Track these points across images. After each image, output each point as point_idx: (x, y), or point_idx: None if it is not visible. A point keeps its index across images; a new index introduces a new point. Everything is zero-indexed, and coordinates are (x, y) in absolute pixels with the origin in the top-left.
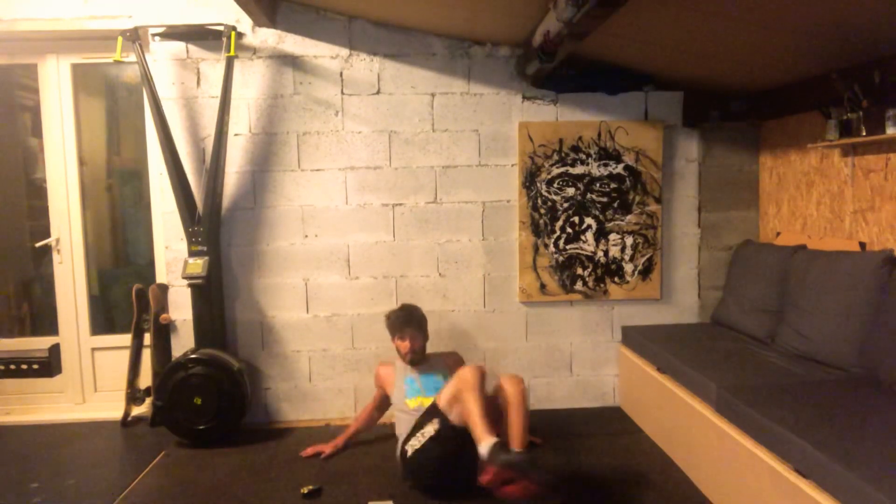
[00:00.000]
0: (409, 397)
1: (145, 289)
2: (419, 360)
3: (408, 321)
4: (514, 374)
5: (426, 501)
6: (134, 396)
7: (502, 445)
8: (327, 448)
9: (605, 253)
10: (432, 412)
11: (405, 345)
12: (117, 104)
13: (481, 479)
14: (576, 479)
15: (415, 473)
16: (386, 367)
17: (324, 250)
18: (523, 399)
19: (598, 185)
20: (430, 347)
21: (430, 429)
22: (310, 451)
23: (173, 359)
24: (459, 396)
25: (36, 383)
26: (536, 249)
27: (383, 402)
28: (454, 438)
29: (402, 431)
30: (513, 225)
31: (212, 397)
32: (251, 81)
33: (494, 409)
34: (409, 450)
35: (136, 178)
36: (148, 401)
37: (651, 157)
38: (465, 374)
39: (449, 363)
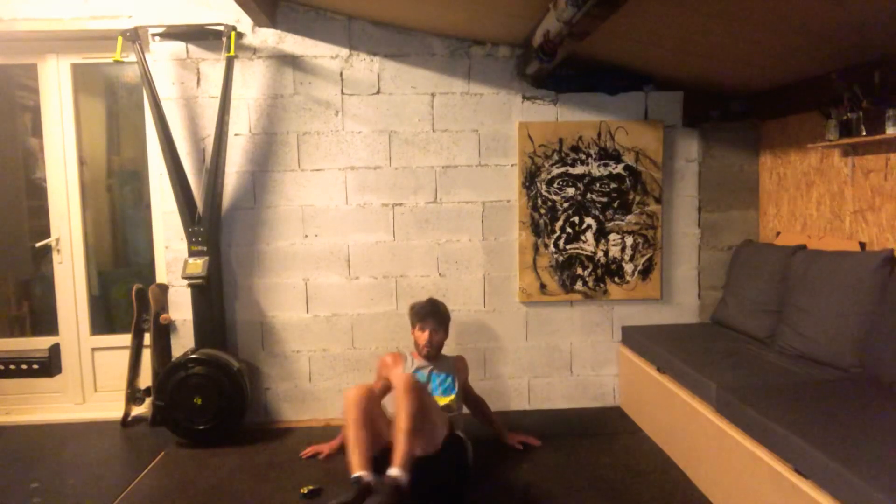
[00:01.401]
0: None
1: (145, 289)
2: (434, 355)
3: (433, 314)
4: (405, 375)
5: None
6: (134, 396)
7: (358, 479)
8: (325, 448)
9: (605, 253)
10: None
11: (424, 336)
12: (117, 104)
13: None
14: (576, 480)
15: None
16: (395, 356)
17: (324, 250)
18: (407, 399)
19: (598, 185)
20: None
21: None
22: (309, 451)
23: (173, 359)
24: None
25: (36, 383)
26: (536, 249)
27: (384, 393)
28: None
29: None
30: (513, 225)
31: (212, 397)
32: (251, 81)
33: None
34: None
35: (136, 178)
36: (148, 401)
37: (651, 157)
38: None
39: (458, 367)
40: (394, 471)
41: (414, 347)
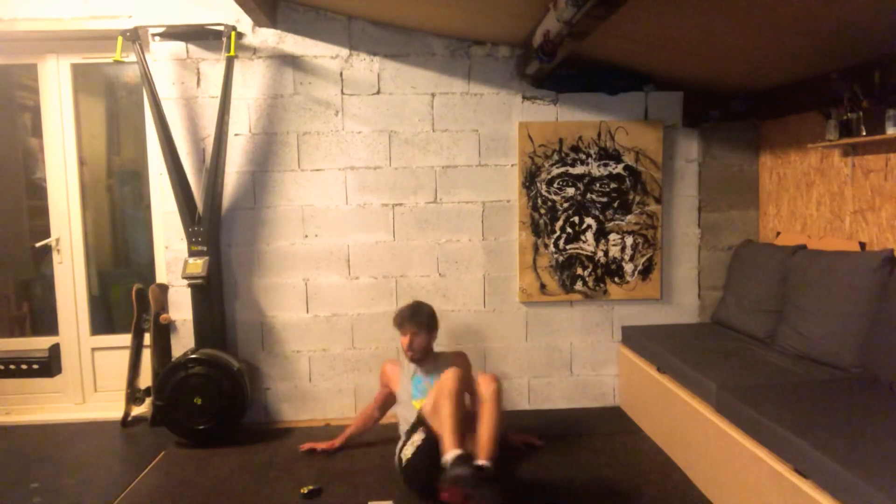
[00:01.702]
0: (416, 398)
1: (145, 289)
2: (421, 358)
3: (411, 318)
4: (490, 374)
5: (425, 502)
6: (134, 396)
7: (463, 458)
8: (323, 445)
9: (605, 253)
10: (419, 421)
11: (405, 341)
12: (117, 104)
13: (441, 495)
14: (576, 480)
15: (410, 481)
16: (393, 364)
17: (324, 250)
18: (496, 401)
19: (598, 185)
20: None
21: (418, 438)
22: (307, 445)
23: (173, 359)
24: (437, 404)
25: (36, 383)
26: (536, 249)
27: (387, 401)
28: (438, 447)
29: (403, 429)
30: (513, 225)
31: (212, 397)
32: (251, 81)
33: (470, 420)
34: (403, 458)
35: (136, 178)
36: (148, 401)
37: (651, 157)
38: (444, 381)
39: (457, 363)
40: (484, 462)
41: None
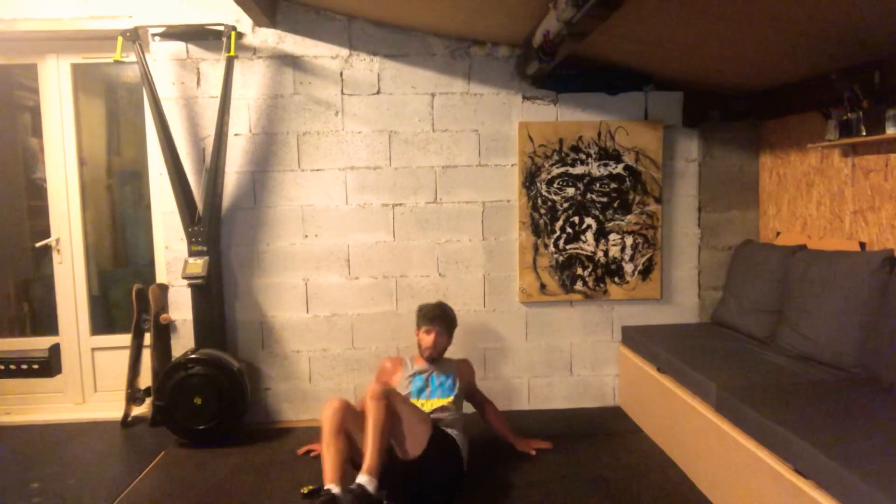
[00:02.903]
0: (414, 397)
1: (145, 289)
2: (436, 358)
3: (441, 317)
4: (372, 387)
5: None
6: (134, 396)
7: (322, 491)
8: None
9: (605, 253)
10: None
11: (430, 338)
12: (117, 104)
13: None
14: (576, 480)
15: None
16: (395, 361)
17: (324, 250)
18: (371, 411)
19: (598, 185)
20: None
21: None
22: (304, 448)
23: (173, 359)
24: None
25: (36, 383)
26: (536, 249)
27: None
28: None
29: None
30: (513, 225)
31: (212, 397)
32: (251, 81)
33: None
34: None
35: (136, 178)
36: (148, 401)
37: (651, 157)
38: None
39: (461, 369)
40: (361, 478)
41: (417, 349)
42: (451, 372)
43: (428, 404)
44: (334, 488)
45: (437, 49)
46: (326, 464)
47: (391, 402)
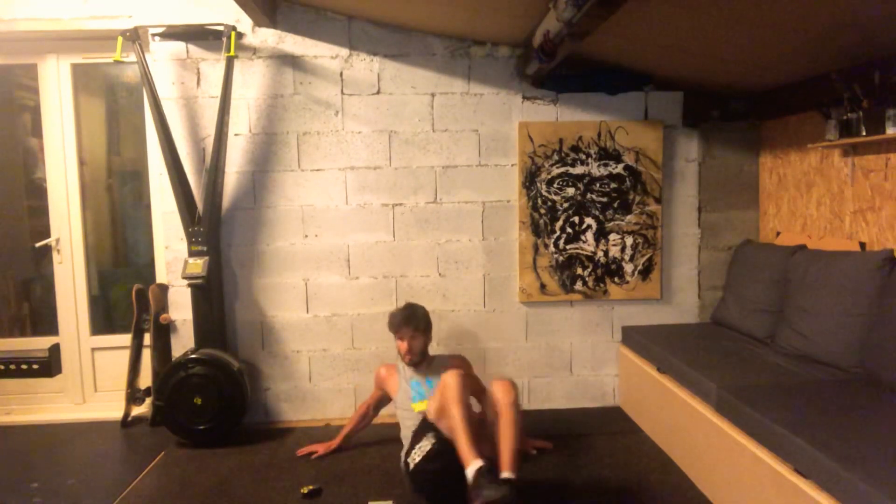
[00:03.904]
0: (416, 401)
1: (145, 289)
2: (419, 361)
3: (406, 321)
4: (506, 380)
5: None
6: (134, 396)
7: (488, 471)
8: (321, 448)
9: (605, 253)
10: (425, 425)
11: (403, 346)
12: (117, 104)
13: None
14: (576, 480)
15: (419, 487)
16: (389, 367)
17: (324, 250)
18: (515, 411)
19: (598, 185)
20: (432, 349)
21: (427, 444)
22: (304, 450)
23: (173, 359)
24: (445, 410)
25: (36, 383)
26: (536, 249)
27: (381, 402)
28: (451, 452)
29: (406, 435)
30: (513, 225)
31: (212, 397)
32: (251, 81)
33: (481, 423)
34: (411, 464)
35: (136, 178)
36: (148, 401)
37: (651, 157)
38: (449, 385)
39: (455, 366)
40: (507, 474)
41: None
42: (445, 371)
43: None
44: (484, 465)
45: (437, 49)
46: (466, 440)
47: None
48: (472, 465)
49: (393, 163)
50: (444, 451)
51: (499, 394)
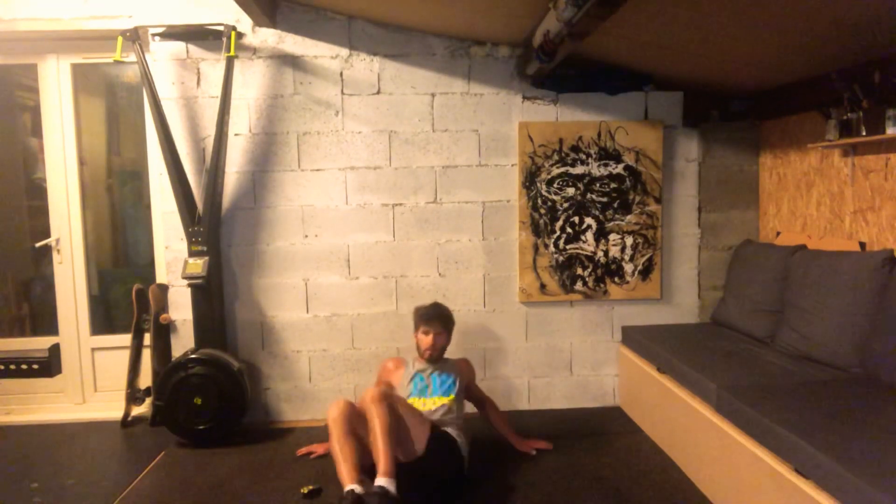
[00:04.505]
0: (413, 396)
1: (145, 289)
2: (437, 358)
3: (437, 316)
4: (369, 389)
5: None
6: (134, 396)
7: (350, 493)
8: (320, 448)
9: (605, 253)
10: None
11: (428, 339)
12: (117, 104)
13: None
14: (576, 480)
15: None
16: (397, 361)
17: (324, 250)
18: (374, 412)
19: (598, 185)
20: None
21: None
22: (304, 450)
23: (173, 359)
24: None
25: (36, 383)
26: (536, 249)
27: None
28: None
29: None
30: (513, 225)
31: (212, 397)
32: (251, 81)
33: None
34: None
35: (136, 178)
36: (148, 401)
37: (651, 157)
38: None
39: (462, 368)
40: (380, 480)
41: (416, 350)
42: (452, 371)
43: (430, 403)
44: (357, 488)
45: (437, 49)
46: (342, 466)
47: (393, 404)
48: (347, 486)
49: (393, 163)
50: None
51: (366, 400)
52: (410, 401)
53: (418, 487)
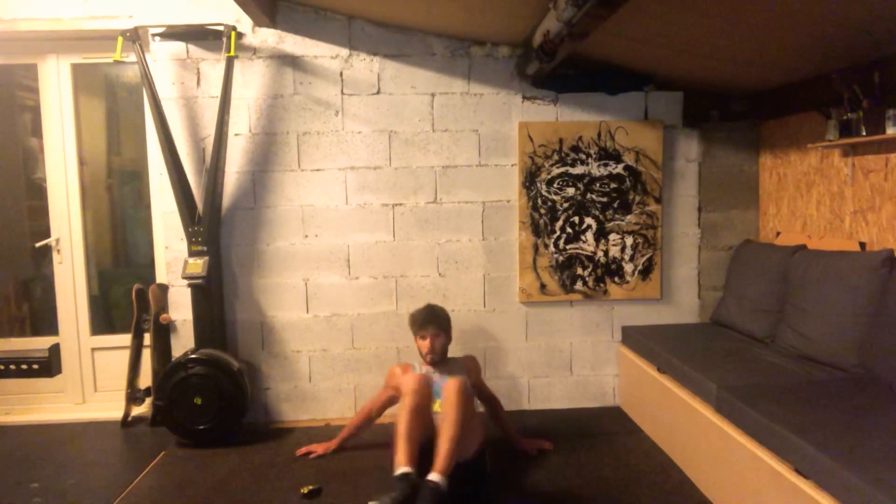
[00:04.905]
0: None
1: (145, 289)
2: (439, 360)
3: (431, 320)
4: (457, 379)
5: None
6: (134, 396)
7: (405, 476)
8: (320, 448)
9: (605, 253)
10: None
11: (426, 344)
12: (117, 104)
13: None
14: (576, 480)
15: None
16: (404, 366)
17: (324, 250)
18: (458, 405)
19: (598, 185)
20: None
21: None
22: (303, 450)
23: (173, 359)
24: (443, 413)
25: (36, 383)
26: (536, 249)
27: (389, 403)
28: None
29: None
30: (513, 225)
31: (212, 397)
32: (251, 81)
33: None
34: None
35: (136, 178)
36: (148, 401)
37: (651, 157)
38: (449, 390)
39: (469, 367)
40: (435, 476)
41: (419, 356)
42: (460, 371)
43: None
44: (413, 474)
45: (437, 49)
46: (404, 443)
47: (471, 402)
48: (396, 471)
49: (393, 163)
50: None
51: (446, 391)
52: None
53: (459, 491)
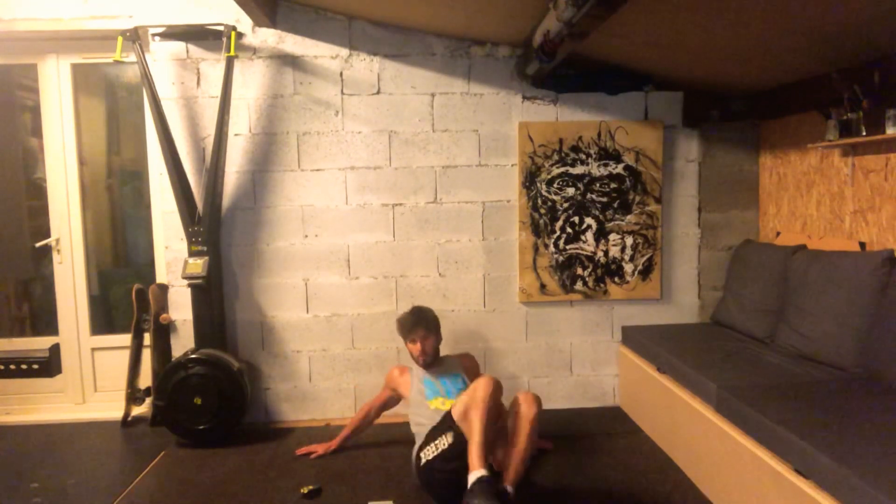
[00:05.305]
0: (430, 398)
1: (145, 289)
2: (432, 362)
3: (417, 323)
4: (532, 394)
5: (427, 502)
6: (134, 396)
7: (487, 482)
8: (320, 448)
9: (605, 253)
10: (446, 423)
11: (417, 347)
12: (117, 104)
13: None
14: (576, 480)
15: (427, 483)
16: (402, 368)
17: (324, 250)
18: (533, 425)
19: (598, 185)
20: None
21: (444, 441)
22: (303, 450)
23: (173, 359)
24: (467, 413)
25: (36, 383)
26: (536, 249)
27: (387, 403)
28: (463, 454)
29: (420, 432)
30: (513, 225)
31: (212, 397)
32: (251, 81)
33: (501, 430)
34: (423, 458)
35: (136, 178)
36: (148, 401)
37: (651, 157)
38: (478, 389)
39: (466, 364)
40: (509, 487)
41: (412, 358)
42: (457, 369)
43: (448, 404)
44: (487, 476)
45: (437, 49)
46: (479, 443)
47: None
48: (476, 472)
49: (393, 163)
50: (461, 453)
51: (524, 406)
52: (428, 402)
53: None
